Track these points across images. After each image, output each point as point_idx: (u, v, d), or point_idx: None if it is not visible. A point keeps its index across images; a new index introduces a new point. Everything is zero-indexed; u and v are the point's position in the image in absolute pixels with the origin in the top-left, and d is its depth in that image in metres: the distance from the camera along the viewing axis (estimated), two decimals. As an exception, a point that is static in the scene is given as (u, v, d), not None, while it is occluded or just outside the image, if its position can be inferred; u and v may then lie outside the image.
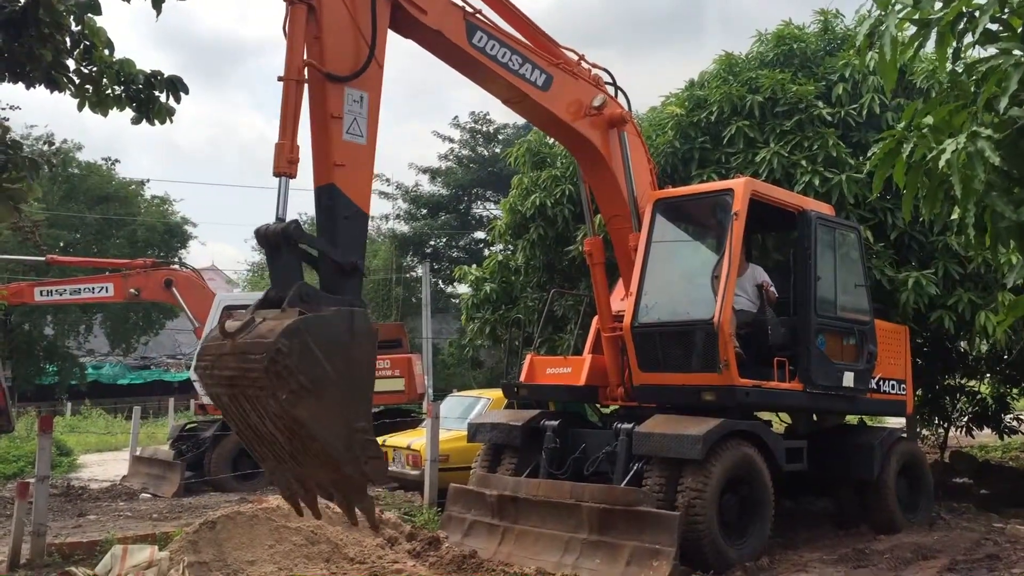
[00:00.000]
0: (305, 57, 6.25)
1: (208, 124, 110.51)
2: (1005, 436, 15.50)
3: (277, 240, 6.00)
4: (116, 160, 37.63)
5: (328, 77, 6.33)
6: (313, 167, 6.32)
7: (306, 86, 6.29)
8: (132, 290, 16.39)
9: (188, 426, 16.24)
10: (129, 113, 7.15)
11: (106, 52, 6.89)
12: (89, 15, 6.76)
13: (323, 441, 5.47)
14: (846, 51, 11.53)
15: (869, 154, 4.45)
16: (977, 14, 3.68)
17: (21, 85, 6.91)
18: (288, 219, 6.00)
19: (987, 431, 15.57)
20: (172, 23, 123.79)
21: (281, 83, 6.20)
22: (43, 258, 19.01)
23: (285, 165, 6.08)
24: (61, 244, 32.23)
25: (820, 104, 10.91)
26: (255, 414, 5.58)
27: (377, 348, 6.22)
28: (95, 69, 6.92)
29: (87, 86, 6.97)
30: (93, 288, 17.09)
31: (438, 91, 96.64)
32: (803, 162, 10.56)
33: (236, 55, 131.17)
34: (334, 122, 6.31)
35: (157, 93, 7.08)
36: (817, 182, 10.33)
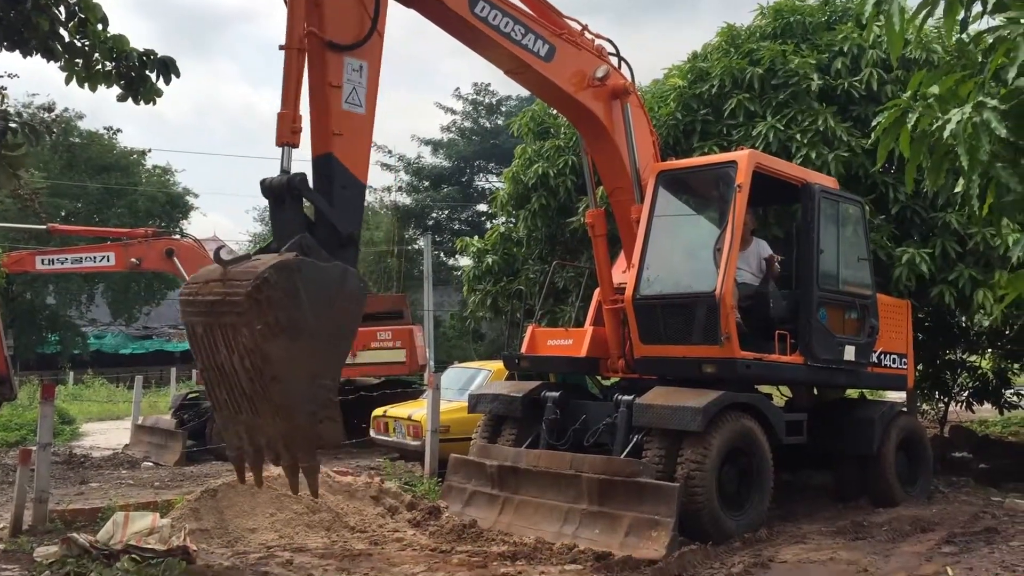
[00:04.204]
0: (306, 25, 6.21)
1: (193, 93, 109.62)
2: (1005, 411, 15.54)
3: (281, 191, 6.05)
4: (118, 130, 37.58)
5: (328, 46, 6.31)
6: (311, 137, 6.33)
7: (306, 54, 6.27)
8: (133, 259, 16.38)
9: (190, 395, 16.30)
10: (115, 89, 7.11)
11: (99, 27, 6.83)
12: None
13: (285, 385, 5.45)
14: (845, 25, 11.46)
15: (873, 124, 4.41)
16: (987, -18, 3.63)
17: (18, 54, 6.88)
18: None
19: (987, 406, 15.60)
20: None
21: (282, 52, 6.19)
22: (44, 227, 19.01)
23: (288, 135, 6.13)
24: (62, 213, 32.22)
25: (814, 76, 10.83)
26: (225, 348, 5.57)
27: (361, 315, 6.25)
28: (88, 43, 6.87)
29: (77, 59, 6.91)
30: (94, 257, 17.10)
31: (429, 60, 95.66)
32: (798, 136, 10.51)
33: (218, 23, 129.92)
34: (333, 91, 6.30)
35: (148, 73, 7.04)
36: (814, 155, 10.30)
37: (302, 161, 6.60)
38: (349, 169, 6.31)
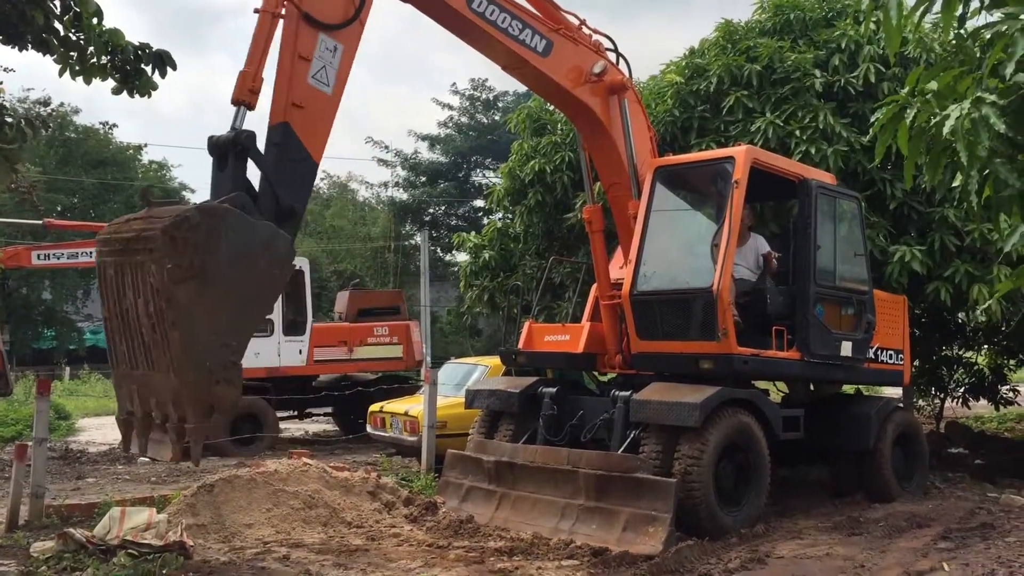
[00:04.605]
0: None
1: (189, 88, 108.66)
2: (1001, 407, 15.56)
3: (226, 148, 5.90)
4: (114, 125, 37.59)
5: (305, 18, 6.25)
6: (272, 106, 6.23)
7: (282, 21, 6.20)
8: (129, 255, 16.33)
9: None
10: (110, 82, 7.09)
11: (94, 21, 6.81)
12: None
13: (185, 334, 5.20)
14: (843, 21, 11.46)
15: (872, 120, 4.41)
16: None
17: (13, 48, 6.86)
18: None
19: (983, 402, 15.62)
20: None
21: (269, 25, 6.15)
22: (40, 222, 18.96)
23: (246, 93, 6.03)
24: (59, 208, 32.18)
25: (816, 72, 10.83)
26: (132, 291, 5.37)
27: (285, 283, 5.92)
28: (83, 37, 6.85)
29: (72, 53, 6.89)
30: (90, 252, 17.03)
31: (425, 56, 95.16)
32: (797, 132, 10.51)
33: (214, 17, 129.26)
34: (301, 63, 6.23)
35: (144, 66, 7.03)
36: (813, 151, 10.29)
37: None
38: (304, 143, 6.18)
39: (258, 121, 6.21)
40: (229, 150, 5.90)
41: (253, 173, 6.08)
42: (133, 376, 5.61)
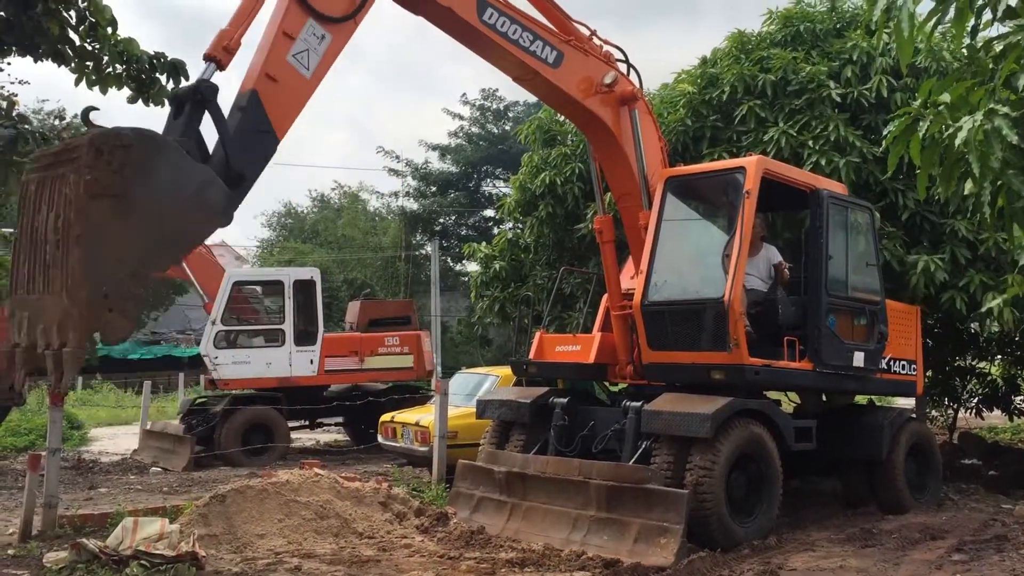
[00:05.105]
0: None
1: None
2: (1014, 417, 15.45)
3: (185, 98, 5.80)
4: (126, 135, 37.74)
5: (300, 1, 6.24)
6: (246, 73, 6.17)
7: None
8: (142, 265, 16.39)
9: (198, 401, 16.32)
10: (125, 91, 7.16)
11: (109, 30, 6.88)
12: None
13: (88, 253, 4.95)
14: (853, 31, 11.45)
15: (885, 132, 4.41)
16: (997, -11, 3.63)
17: (28, 59, 6.95)
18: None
19: (996, 412, 15.51)
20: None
21: None
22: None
23: (220, 51, 5.96)
24: (71, 219, 32.29)
25: (831, 84, 10.82)
26: (47, 206, 5.15)
27: (210, 233, 5.76)
28: (98, 47, 6.92)
29: (88, 62, 6.97)
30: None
31: (435, 66, 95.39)
32: (810, 142, 10.49)
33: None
34: (284, 39, 6.20)
35: (158, 75, 7.09)
36: (824, 162, 10.27)
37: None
38: (268, 116, 6.08)
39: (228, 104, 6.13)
40: (188, 99, 5.80)
41: (211, 137, 5.94)
42: (27, 302, 5.33)
